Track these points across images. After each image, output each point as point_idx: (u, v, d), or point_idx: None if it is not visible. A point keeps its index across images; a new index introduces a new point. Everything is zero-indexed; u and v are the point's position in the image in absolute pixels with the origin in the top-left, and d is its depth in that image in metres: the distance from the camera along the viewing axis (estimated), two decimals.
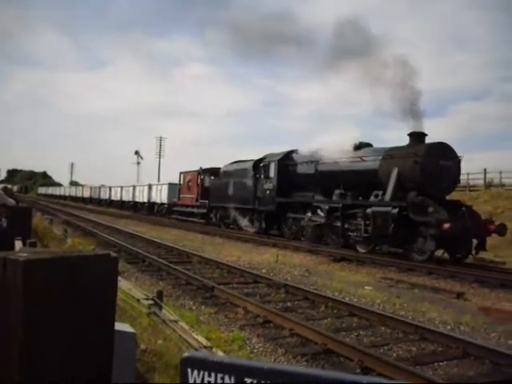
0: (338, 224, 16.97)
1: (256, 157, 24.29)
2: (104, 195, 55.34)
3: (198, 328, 6.35)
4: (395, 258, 14.34)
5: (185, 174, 32.13)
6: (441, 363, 5.78)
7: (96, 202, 56.94)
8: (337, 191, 17.67)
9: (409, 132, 15.64)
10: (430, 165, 14.45)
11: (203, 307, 8.30)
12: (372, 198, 15.94)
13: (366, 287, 10.54)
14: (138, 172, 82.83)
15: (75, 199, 66.57)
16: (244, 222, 23.97)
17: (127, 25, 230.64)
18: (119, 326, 3.02)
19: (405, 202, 14.24)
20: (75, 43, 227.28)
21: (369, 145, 18.36)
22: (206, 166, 30.10)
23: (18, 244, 7.63)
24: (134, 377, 3.41)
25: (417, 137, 15.41)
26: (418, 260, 13.59)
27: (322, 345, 6.15)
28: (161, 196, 37.51)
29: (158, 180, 56.17)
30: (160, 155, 79.70)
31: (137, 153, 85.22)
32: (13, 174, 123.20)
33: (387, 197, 14.99)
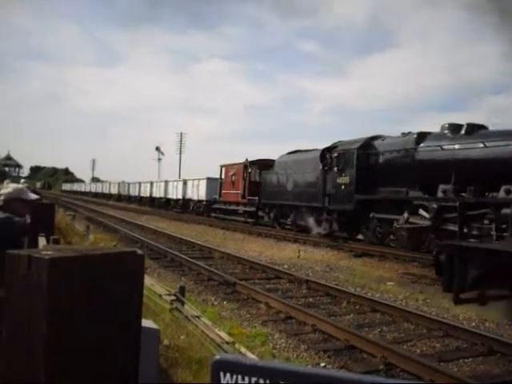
0: (452, 228, 13.22)
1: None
2: (134, 191, 52.02)
3: (221, 324, 6.37)
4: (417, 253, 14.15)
5: (227, 167, 28.34)
6: (466, 360, 5.70)
7: (125, 199, 54.15)
8: (443, 186, 14.01)
9: None
10: None
11: (225, 303, 8.31)
12: (501, 195, 12.68)
13: (389, 283, 10.46)
14: (159, 168, 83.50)
15: (102, 196, 64.70)
16: (309, 222, 20.11)
17: (144, 19, 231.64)
18: (143, 322, 3.03)
19: None
20: (92, 39, 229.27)
21: (483, 127, 14.16)
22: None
23: (42, 240, 7.73)
24: (157, 373, 3.42)
25: None
26: None
27: (345, 341, 6.11)
28: (198, 192, 33.78)
29: (179, 176, 55.69)
30: (181, 151, 79.46)
31: (158, 149, 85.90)
32: (36, 171, 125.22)
33: None
